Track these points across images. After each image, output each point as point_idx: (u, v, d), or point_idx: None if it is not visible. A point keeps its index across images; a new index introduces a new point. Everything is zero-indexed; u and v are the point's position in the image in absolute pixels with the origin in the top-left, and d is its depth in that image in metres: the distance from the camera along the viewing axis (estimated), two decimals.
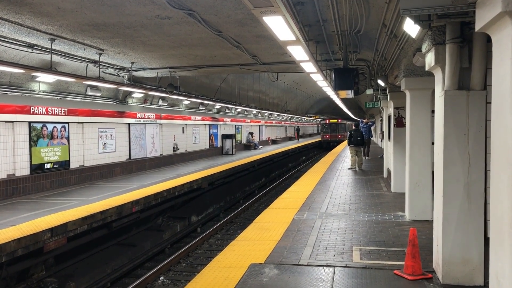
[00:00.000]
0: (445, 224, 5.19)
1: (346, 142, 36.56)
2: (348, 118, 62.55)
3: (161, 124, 20.95)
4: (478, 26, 3.69)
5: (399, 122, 11.55)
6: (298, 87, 36.63)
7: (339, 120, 51.08)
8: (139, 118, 18.90)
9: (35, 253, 8.38)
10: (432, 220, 5.95)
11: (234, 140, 29.21)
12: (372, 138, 27.84)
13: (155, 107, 20.10)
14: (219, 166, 20.00)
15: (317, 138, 56.34)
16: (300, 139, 54.47)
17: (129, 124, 18.18)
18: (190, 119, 23.94)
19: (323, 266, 6.01)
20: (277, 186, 23.72)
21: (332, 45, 10.90)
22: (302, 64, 9.51)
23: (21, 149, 12.51)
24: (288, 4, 6.72)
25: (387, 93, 12.29)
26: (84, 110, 15.14)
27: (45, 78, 12.40)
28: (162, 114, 20.83)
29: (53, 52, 10.76)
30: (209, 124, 27.13)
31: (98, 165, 16.01)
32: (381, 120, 21.38)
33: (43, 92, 13.27)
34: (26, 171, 12.70)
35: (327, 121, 50.98)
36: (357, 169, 17.89)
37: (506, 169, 3.25)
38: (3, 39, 9.62)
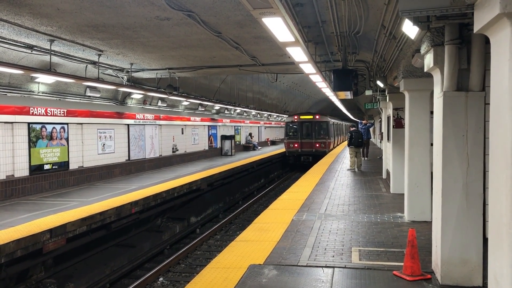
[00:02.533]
0: (444, 224, 5.20)
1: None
2: (341, 116, 50.22)
3: (160, 125, 20.94)
4: (476, 28, 3.70)
5: (398, 123, 11.57)
6: (298, 88, 36.64)
7: (317, 117, 29.55)
8: (138, 119, 18.90)
9: (34, 254, 8.37)
10: (431, 221, 5.96)
11: (233, 141, 29.21)
12: (371, 139, 27.90)
13: (154, 108, 20.11)
14: (218, 167, 20.00)
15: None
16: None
17: (128, 125, 18.18)
18: (189, 120, 23.94)
19: (322, 267, 6.02)
20: (276, 187, 23.72)
21: (331, 46, 10.92)
22: (301, 65, 9.54)
23: (20, 150, 12.50)
24: (287, 5, 6.75)
25: (386, 94, 12.30)
26: (83, 111, 15.14)
27: (45, 79, 12.40)
28: (161, 115, 20.83)
29: (53, 53, 10.77)
30: (208, 125, 27.13)
31: (97, 166, 16.00)
32: (380, 121, 21.40)
33: (43, 93, 13.27)
34: (25, 172, 12.70)
35: (295, 117, 29.72)
36: (356, 170, 17.91)
37: (504, 169, 3.26)
38: (3, 40, 9.62)
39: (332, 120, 31.82)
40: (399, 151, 10.91)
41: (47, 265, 9.17)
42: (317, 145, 28.76)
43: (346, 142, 30.72)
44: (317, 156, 27.61)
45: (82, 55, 11.76)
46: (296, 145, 29.02)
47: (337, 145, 38.05)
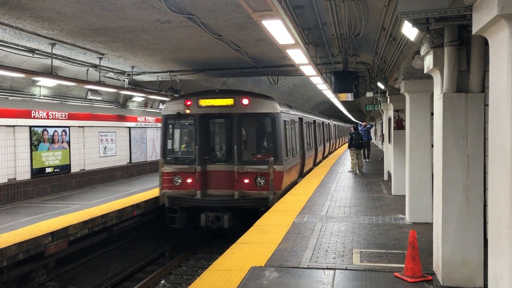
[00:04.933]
0: (445, 226, 5.20)
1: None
2: (342, 118, 45.50)
3: None
4: (475, 29, 3.71)
5: (399, 124, 11.56)
6: (299, 90, 36.57)
7: (246, 102, 11.94)
8: (140, 122, 18.94)
9: (36, 257, 8.39)
10: (432, 223, 5.95)
11: None
12: (371, 141, 27.71)
13: (156, 110, 20.14)
14: None
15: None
16: None
17: (129, 128, 18.21)
18: None
19: (323, 269, 6.02)
20: None
21: (332, 48, 10.94)
22: (301, 67, 9.55)
23: (22, 153, 12.54)
24: (287, 8, 6.77)
25: (387, 95, 12.31)
26: (84, 114, 15.18)
27: (46, 83, 12.45)
28: None
29: (54, 56, 10.80)
30: None
31: (98, 169, 16.02)
32: (381, 122, 21.39)
33: (44, 96, 13.31)
34: (27, 175, 12.73)
35: (188, 104, 12.21)
36: (357, 172, 17.89)
37: (504, 170, 3.26)
38: (5, 44, 9.66)
39: (291, 113, 14.55)
40: (400, 153, 10.90)
41: (49, 268, 9.18)
42: (246, 180, 11.80)
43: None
44: (246, 211, 11.73)
45: (83, 59, 11.80)
46: (188, 181, 12.06)
47: (319, 161, 22.99)
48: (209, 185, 12.11)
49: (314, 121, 21.19)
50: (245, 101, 11.96)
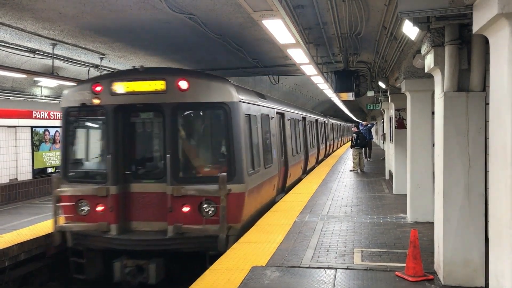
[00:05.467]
0: (446, 225, 5.20)
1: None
2: (343, 118, 45.18)
3: None
4: (475, 28, 3.71)
5: (400, 123, 11.56)
6: (300, 89, 36.48)
7: (184, 86, 7.80)
8: None
9: (37, 257, 8.40)
10: (434, 222, 5.95)
11: None
12: (373, 140, 27.72)
13: None
14: None
15: None
16: None
17: None
18: None
19: (324, 268, 6.02)
20: None
21: (333, 48, 10.94)
22: (302, 67, 9.55)
23: (23, 154, 12.56)
24: (288, 8, 6.77)
25: (388, 95, 12.30)
26: None
27: (47, 83, 12.47)
28: None
29: (55, 57, 10.82)
30: None
31: None
32: (383, 121, 21.38)
33: (45, 96, 13.33)
34: (29, 176, 12.76)
35: (97, 89, 8.04)
36: (359, 171, 17.89)
37: (504, 169, 3.26)
38: (6, 44, 9.68)
39: (263, 105, 10.57)
40: (401, 152, 10.90)
41: (51, 268, 9.18)
42: (185, 208, 7.73)
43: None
44: (186, 255, 7.99)
45: (85, 59, 11.82)
46: (99, 210, 7.98)
47: (312, 167, 19.69)
48: (131, 215, 8.02)
49: (304, 118, 17.35)
50: (184, 84, 7.86)
